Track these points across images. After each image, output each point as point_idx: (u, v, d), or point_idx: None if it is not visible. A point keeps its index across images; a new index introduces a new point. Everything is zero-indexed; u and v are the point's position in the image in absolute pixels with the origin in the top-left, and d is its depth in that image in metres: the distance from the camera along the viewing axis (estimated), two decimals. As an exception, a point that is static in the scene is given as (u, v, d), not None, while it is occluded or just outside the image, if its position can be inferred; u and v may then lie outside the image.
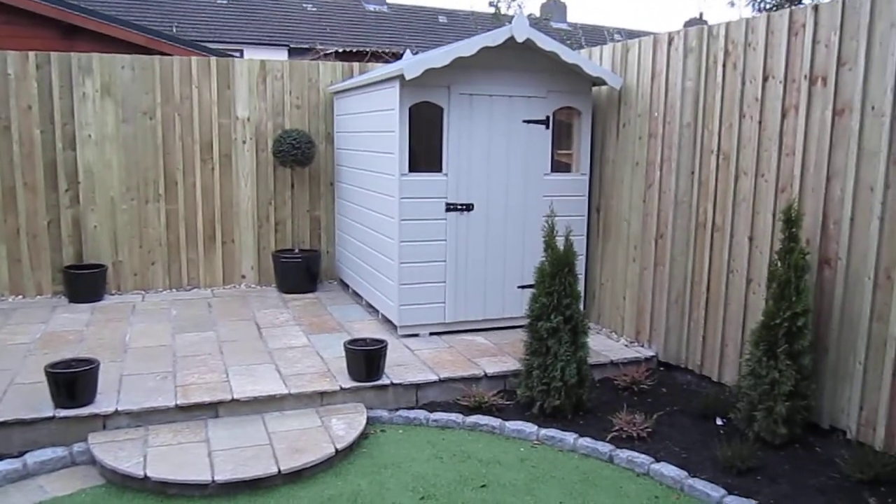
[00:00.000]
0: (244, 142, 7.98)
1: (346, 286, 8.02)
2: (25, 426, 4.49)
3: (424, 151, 6.23)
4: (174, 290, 7.93)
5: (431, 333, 6.28)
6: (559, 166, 6.64)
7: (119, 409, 4.64)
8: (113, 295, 7.67)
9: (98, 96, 7.48)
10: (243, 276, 8.17)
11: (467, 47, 5.79)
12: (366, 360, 5.10)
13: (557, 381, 4.95)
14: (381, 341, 5.25)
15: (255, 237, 8.14)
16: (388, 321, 6.55)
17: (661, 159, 5.83)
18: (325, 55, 11.61)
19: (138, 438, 4.51)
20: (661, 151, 5.83)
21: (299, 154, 7.59)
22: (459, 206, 6.17)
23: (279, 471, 4.15)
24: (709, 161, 5.42)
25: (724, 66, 5.26)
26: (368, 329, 6.45)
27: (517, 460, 4.55)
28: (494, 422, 4.95)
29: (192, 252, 7.96)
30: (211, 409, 4.81)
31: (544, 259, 5.12)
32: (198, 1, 22.99)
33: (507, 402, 5.22)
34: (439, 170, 6.12)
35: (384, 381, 5.18)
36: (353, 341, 5.26)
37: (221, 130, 7.90)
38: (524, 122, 6.29)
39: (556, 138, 6.53)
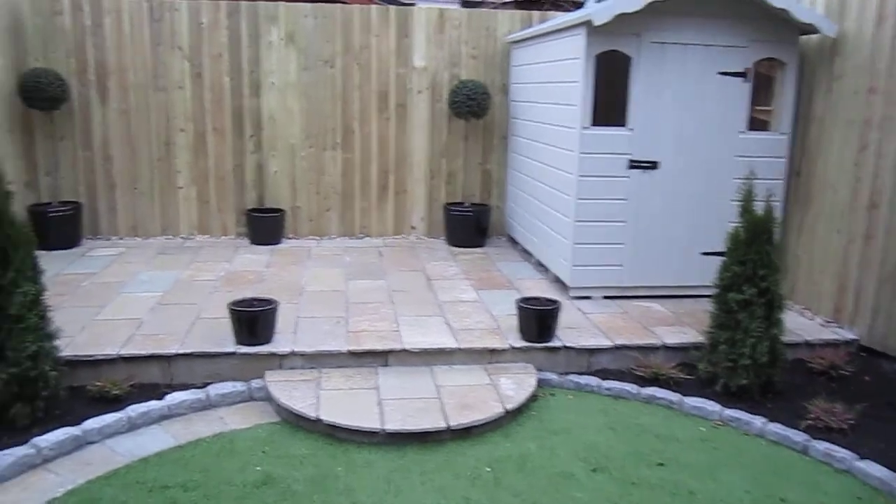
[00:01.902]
0: (419, 92, 7.91)
1: (514, 243, 7.84)
2: (209, 359, 4.68)
3: (607, 104, 5.86)
4: (347, 237, 8.08)
5: (605, 297, 5.98)
6: (756, 124, 6.05)
7: (295, 350, 4.73)
8: (290, 239, 7.92)
9: (282, 44, 7.65)
10: (413, 227, 8.18)
11: (663, -10, 5.34)
12: (538, 319, 4.90)
13: (746, 359, 4.53)
14: (555, 301, 5.03)
15: (427, 189, 8.11)
16: (558, 281, 6.31)
17: (882, 118, 5.14)
18: (503, 4, 11.29)
19: (312, 380, 4.58)
20: (881, 109, 5.14)
21: (475, 105, 7.42)
22: (643, 164, 5.77)
23: (448, 426, 4.07)
24: (944, 121, 4.70)
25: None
26: (538, 288, 6.24)
27: (697, 440, 4.22)
28: (672, 396, 4.63)
29: (365, 201, 8.06)
30: (381, 358, 4.81)
31: (739, 224, 4.67)
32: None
33: (687, 377, 4.86)
34: (623, 124, 5.74)
35: (556, 343, 4.97)
36: (526, 299, 5.08)
37: (398, 80, 7.87)
38: (719, 74, 5.75)
39: (755, 93, 5.93)
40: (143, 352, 4.63)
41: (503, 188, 8.19)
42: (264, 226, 7.66)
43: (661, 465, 3.94)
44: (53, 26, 7.30)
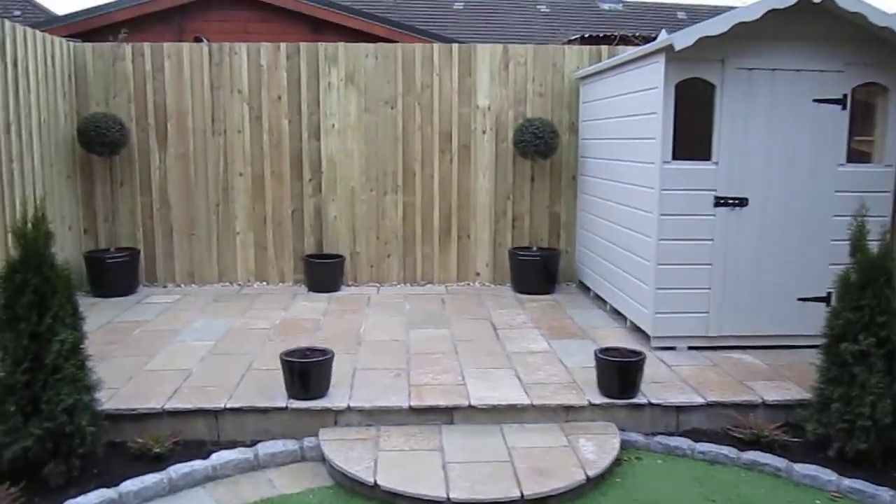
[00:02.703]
0: (484, 132, 7.57)
1: (586, 289, 7.34)
2: (259, 414, 4.31)
3: (688, 138, 5.38)
4: (408, 283, 7.71)
5: (689, 347, 5.42)
6: (855, 156, 5.49)
7: (352, 405, 4.32)
8: (349, 286, 7.60)
9: (342, 85, 7.44)
10: (477, 274, 7.77)
11: (750, 11, 4.89)
12: (620, 373, 4.39)
13: (865, 419, 3.92)
14: (639, 353, 4.51)
15: (491, 233, 7.71)
16: (637, 330, 5.78)
17: None
18: (570, 41, 10.97)
19: (369, 439, 4.15)
20: None
21: (542, 144, 7.04)
22: (731, 201, 5.26)
23: (522, 495, 3.57)
24: None
25: None
26: (614, 337, 5.72)
27: (814, 515, 3.62)
28: (779, 462, 4.03)
29: (427, 246, 7.70)
30: (446, 415, 4.36)
31: (849, 266, 4.12)
32: (434, 5, 23.42)
33: (793, 440, 4.25)
34: (707, 157, 5.26)
35: (640, 399, 4.44)
36: (605, 350, 4.58)
37: (461, 120, 7.55)
38: (814, 101, 5.24)
39: (853, 122, 5.39)
40: (190, 405, 4.29)
41: (572, 231, 7.73)
42: (322, 272, 7.35)
43: (774, 546, 3.36)
44: (115, 72, 7.25)
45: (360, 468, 3.81)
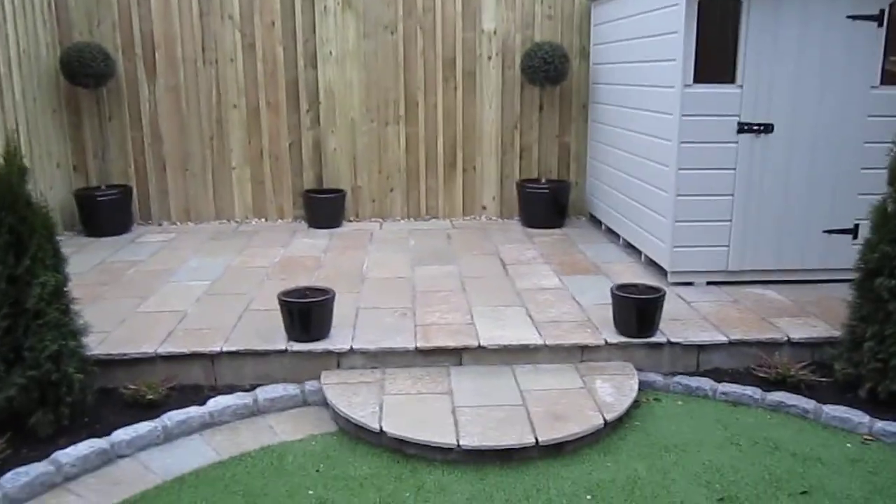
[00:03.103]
0: (489, 58, 7.17)
1: (597, 223, 7.06)
2: (258, 357, 4.09)
3: (710, 59, 5.00)
4: (412, 218, 7.44)
5: (709, 283, 5.17)
6: (890, 77, 5.12)
7: (355, 347, 4.09)
8: (351, 221, 7.33)
9: (339, 9, 7.01)
10: (484, 207, 7.48)
11: (782, -82, 4.47)
12: (638, 310, 4.14)
13: (900, 358, 3.69)
14: (658, 289, 4.26)
15: (498, 165, 7.39)
16: (653, 264, 5.52)
17: None
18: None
19: (374, 382, 3.94)
20: None
21: (551, 70, 6.66)
22: (755, 127, 4.92)
23: (536, 441, 3.37)
24: None
25: None
26: (629, 272, 5.47)
27: (845, 460, 3.42)
28: (806, 403, 3.82)
29: (432, 179, 7.39)
30: (454, 356, 4.13)
31: (887, 195, 3.82)
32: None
33: (821, 379, 4.03)
34: (731, 80, 4.90)
35: (659, 338, 4.21)
36: (622, 287, 4.32)
37: (465, 45, 7.15)
38: (848, 17, 4.85)
39: (889, 40, 5.00)
40: (184, 349, 4.06)
41: (583, 162, 7.40)
42: (323, 208, 7.07)
43: (805, 493, 3.16)
44: (97, -3, 6.83)
45: (364, 413, 3.60)
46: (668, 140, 5.08)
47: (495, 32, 7.13)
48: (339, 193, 7.16)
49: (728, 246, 5.09)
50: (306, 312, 4.08)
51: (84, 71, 6.46)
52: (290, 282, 5.21)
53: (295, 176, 7.28)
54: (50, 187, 6.62)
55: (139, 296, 4.99)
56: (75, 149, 7.05)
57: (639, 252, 5.81)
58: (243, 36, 6.98)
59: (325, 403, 3.87)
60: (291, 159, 7.25)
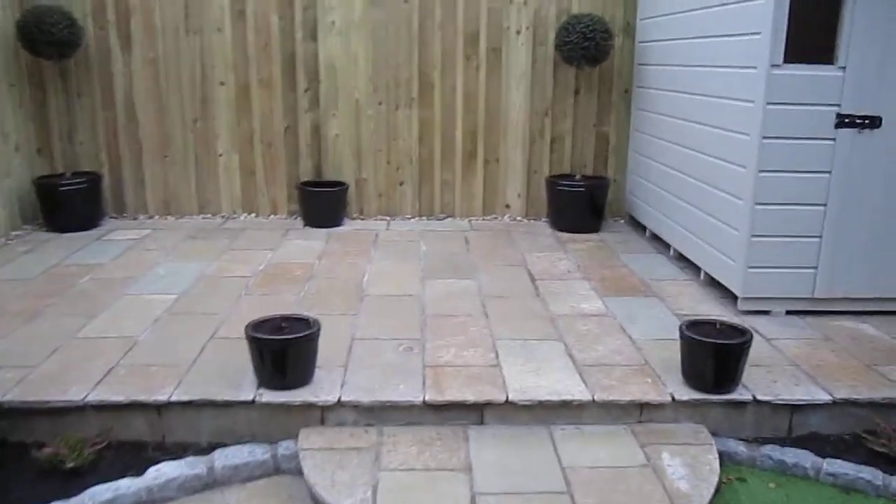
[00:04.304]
0: (518, 32, 6.16)
1: (639, 227, 6.06)
2: (217, 409, 3.14)
3: (801, 33, 3.98)
4: (424, 217, 6.46)
5: (788, 312, 4.17)
6: None
7: (344, 399, 3.14)
8: (353, 219, 6.36)
9: (345, -28, 6.02)
10: (507, 206, 6.49)
11: None
12: (718, 359, 3.16)
13: None
14: (743, 330, 3.26)
15: (525, 157, 6.39)
16: (716, 284, 4.54)
17: None
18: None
19: (368, 449, 2.99)
20: None
21: (591, 47, 5.64)
22: (858, 120, 3.90)
23: (589, 557, 2.41)
24: None
25: None
26: (687, 295, 4.49)
27: None
28: (949, 494, 2.84)
29: (448, 172, 6.40)
30: (474, 412, 3.17)
31: None
32: None
33: (962, 456, 3.05)
34: (829, 60, 3.88)
35: (741, 394, 3.23)
36: (695, 325, 3.33)
37: (491, 17, 6.13)
38: (980, -17, 3.81)
39: None
40: (121, 398, 3.12)
41: (623, 156, 6.39)
42: (321, 203, 6.10)
43: None
44: (63, -47, 5.86)
45: (352, 502, 2.65)
46: (745, 134, 4.07)
47: (525, 3, 6.11)
48: (341, 187, 6.19)
49: (816, 268, 4.09)
50: (281, 353, 3.13)
51: (44, 38, 5.50)
52: (273, 298, 4.28)
53: (290, 166, 6.31)
54: (7, 174, 5.70)
55: (86, 313, 4.06)
56: (39, 130, 6.10)
57: (696, 268, 4.82)
58: (233, 1, 6.00)
59: (302, 472, 2.92)
60: (286, 146, 6.28)
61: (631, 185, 6.24)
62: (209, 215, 6.35)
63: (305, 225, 6.09)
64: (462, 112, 6.28)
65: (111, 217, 6.28)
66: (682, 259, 5.13)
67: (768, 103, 3.87)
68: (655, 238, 5.67)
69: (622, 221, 6.43)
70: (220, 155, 6.27)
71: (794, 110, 3.88)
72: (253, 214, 6.37)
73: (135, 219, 6.29)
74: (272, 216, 6.38)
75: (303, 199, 6.13)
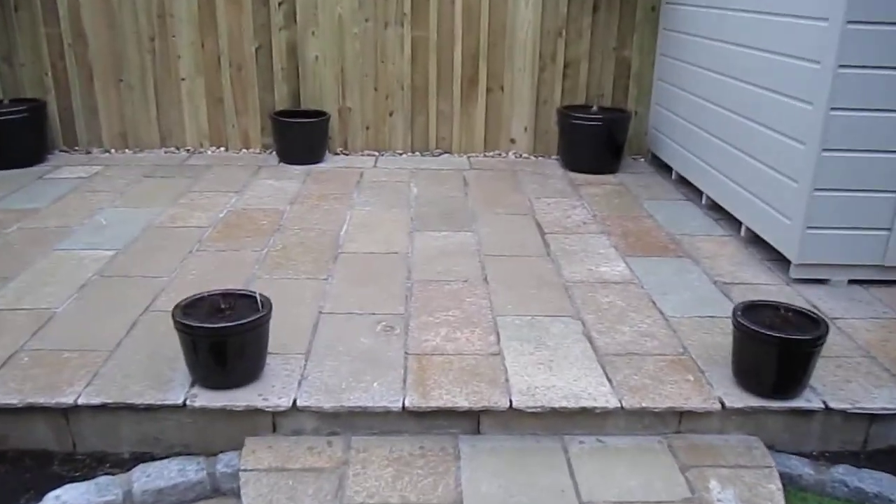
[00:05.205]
0: (528, -64, 5.26)
1: (664, 167, 5.29)
2: (138, 414, 2.46)
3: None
4: (417, 153, 5.68)
5: (850, 281, 3.45)
6: None
7: (301, 402, 2.45)
8: (336, 155, 5.59)
9: None
10: (512, 141, 5.69)
11: None
12: (783, 355, 2.45)
13: None
14: (816, 318, 2.54)
15: (534, 84, 5.56)
16: (760, 243, 3.80)
17: None
18: None
19: (329, 471, 2.32)
20: None
21: (615, -47, 4.76)
22: (958, 45, 3.10)
23: None
24: None
25: None
26: (726, 256, 3.77)
27: None
28: None
29: (445, 101, 5.58)
30: (467, 420, 2.49)
31: None
32: None
33: None
34: (925, -32, 3.05)
35: (809, 400, 2.53)
36: (751, 308, 2.60)
37: (496, -82, 5.22)
38: None
39: None
40: (15, 400, 2.43)
41: (647, 85, 5.56)
42: (298, 136, 5.32)
43: None
44: None
45: (301, 556, 1.99)
46: (812, 62, 3.26)
47: None
48: (321, 117, 5.39)
49: (890, 230, 3.34)
50: (220, 344, 2.42)
51: (-35, -63, 4.63)
52: (229, 256, 3.57)
53: (264, 92, 5.50)
54: (-66, 100, 4.91)
55: (1, 275, 3.35)
56: (-28, 48, 5.29)
57: (735, 221, 4.07)
58: None
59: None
60: (259, 70, 5.45)
61: (654, 119, 5.43)
62: (172, 149, 5.58)
63: (280, 161, 5.33)
64: (462, 31, 5.41)
65: (61, 151, 5.52)
66: (716, 209, 4.38)
67: (848, 21, 3.04)
68: (683, 182, 4.91)
69: (644, 161, 5.64)
70: (183, 79, 5.45)
71: (875, 31, 3.07)
72: (221, 148, 5.60)
73: (88, 153, 5.52)
74: (243, 150, 5.61)
75: (277, 131, 5.34)
